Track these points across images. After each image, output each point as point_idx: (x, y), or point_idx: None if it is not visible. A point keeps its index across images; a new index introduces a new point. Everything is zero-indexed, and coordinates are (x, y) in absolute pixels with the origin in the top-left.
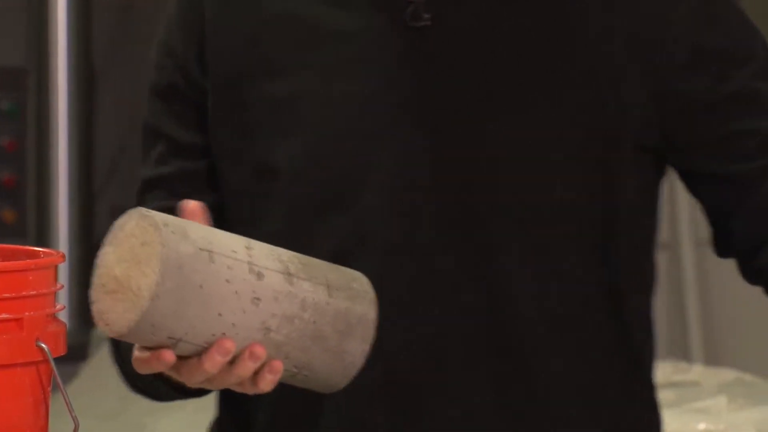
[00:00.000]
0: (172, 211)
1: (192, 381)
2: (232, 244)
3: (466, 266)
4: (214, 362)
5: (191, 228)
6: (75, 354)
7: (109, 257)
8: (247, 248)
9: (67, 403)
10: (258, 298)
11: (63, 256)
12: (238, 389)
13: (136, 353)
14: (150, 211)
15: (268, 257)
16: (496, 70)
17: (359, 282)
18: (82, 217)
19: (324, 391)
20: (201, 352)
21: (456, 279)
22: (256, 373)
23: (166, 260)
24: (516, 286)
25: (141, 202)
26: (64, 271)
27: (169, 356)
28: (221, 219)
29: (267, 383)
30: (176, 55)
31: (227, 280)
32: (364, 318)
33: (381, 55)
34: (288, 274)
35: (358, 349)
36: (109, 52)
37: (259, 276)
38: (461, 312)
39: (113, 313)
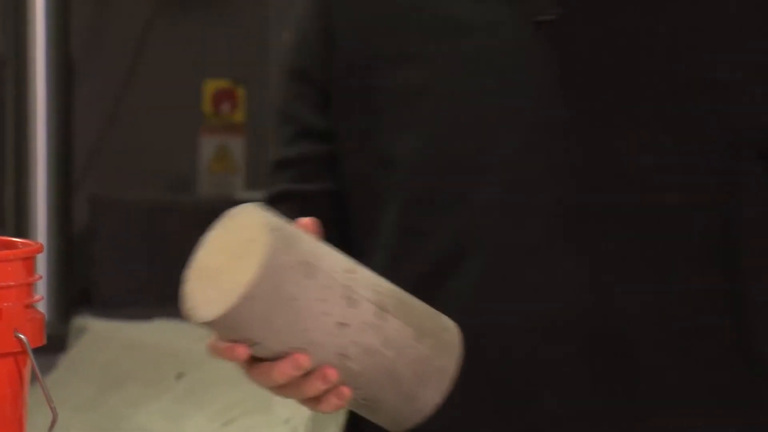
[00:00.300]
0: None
1: (258, 382)
2: (335, 264)
3: (578, 268)
4: (284, 373)
5: (300, 239)
6: (53, 345)
7: (214, 243)
8: (349, 272)
9: (45, 394)
10: (345, 324)
11: (41, 246)
12: (301, 402)
13: (213, 340)
14: (266, 210)
15: (366, 286)
16: (623, 70)
17: (450, 333)
18: (61, 208)
19: (385, 426)
20: (275, 359)
21: (566, 280)
22: (323, 393)
23: (268, 265)
24: (629, 293)
25: (270, 184)
26: (42, 261)
27: (243, 353)
28: (340, 207)
29: (330, 406)
30: (308, 40)
31: (321, 299)
32: (443, 370)
33: (510, 49)
34: (381, 308)
35: (430, 398)
36: (88, 41)
37: (352, 303)
38: (570, 314)
39: (202, 299)
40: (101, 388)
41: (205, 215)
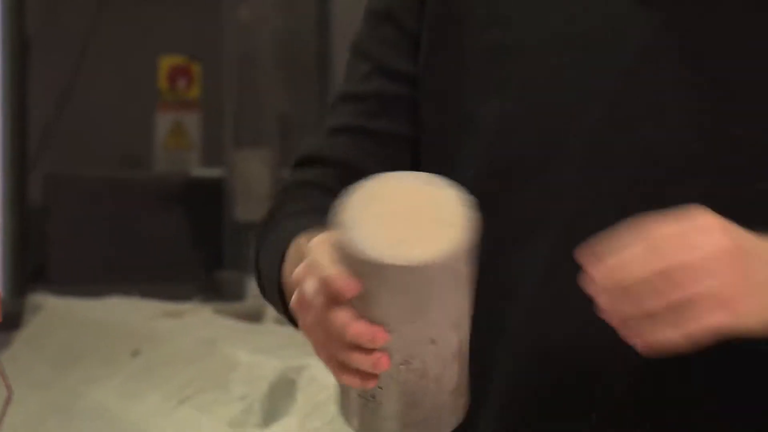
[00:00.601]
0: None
1: (313, 322)
2: (467, 291)
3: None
4: (357, 335)
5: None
6: (9, 322)
7: (397, 192)
8: (468, 303)
9: (1, 371)
10: (434, 342)
11: None
12: (327, 360)
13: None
14: (458, 194)
15: (468, 323)
16: (725, 45)
17: (466, 405)
18: (16, 186)
19: (357, 429)
20: (360, 316)
21: None
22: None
23: (457, 254)
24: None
25: (331, 110)
26: None
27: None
28: (403, 150)
29: (364, 362)
30: None
31: (444, 313)
32: (444, 426)
33: (603, 19)
34: (459, 350)
35: None
36: (43, 18)
37: (454, 329)
38: None
39: (380, 236)
40: (57, 366)
41: (160, 191)
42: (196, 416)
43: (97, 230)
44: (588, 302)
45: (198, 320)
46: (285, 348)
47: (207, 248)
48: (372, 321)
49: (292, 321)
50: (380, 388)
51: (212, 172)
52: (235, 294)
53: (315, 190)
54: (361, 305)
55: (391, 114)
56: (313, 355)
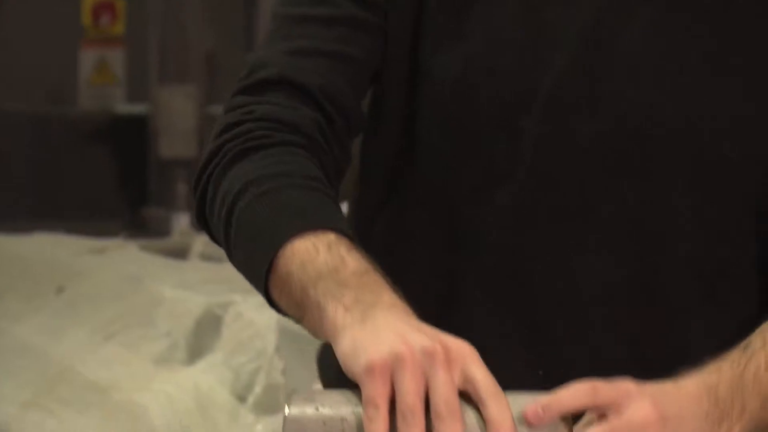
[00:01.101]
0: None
1: None
2: None
3: (620, 202)
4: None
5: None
6: None
7: None
8: None
9: None
10: None
11: None
12: None
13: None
14: None
15: None
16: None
17: None
18: None
19: None
20: None
21: (607, 216)
22: None
23: None
24: (671, 228)
25: (283, 31)
26: None
27: None
28: (362, 78)
29: None
30: None
31: None
32: None
33: None
34: None
35: None
36: None
37: None
38: (609, 255)
39: None
40: None
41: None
42: (121, 353)
43: (21, 166)
44: (551, 254)
45: (123, 257)
46: (210, 284)
47: (132, 185)
48: None
49: (271, 300)
50: None
51: (137, 109)
52: (161, 230)
53: (299, 150)
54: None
55: (364, 42)
56: (239, 291)
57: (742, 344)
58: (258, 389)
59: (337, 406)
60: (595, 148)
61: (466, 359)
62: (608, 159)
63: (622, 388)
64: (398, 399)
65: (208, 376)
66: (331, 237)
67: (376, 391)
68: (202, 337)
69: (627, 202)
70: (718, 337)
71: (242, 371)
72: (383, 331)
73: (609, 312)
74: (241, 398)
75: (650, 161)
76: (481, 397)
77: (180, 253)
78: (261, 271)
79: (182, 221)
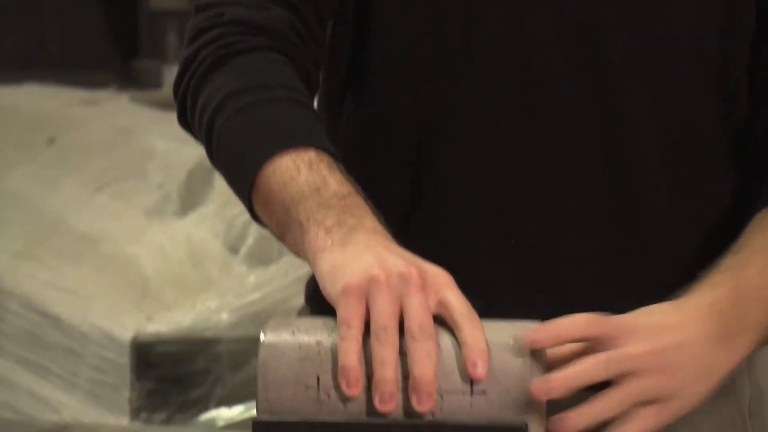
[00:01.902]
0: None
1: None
2: None
3: (582, 83)
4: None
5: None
6: None
7: None
8: None
9: None
10: None
11: None
12: None
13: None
14: None
15: None
16: None
17: None
18: None
19: None
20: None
21: (571, 101)
22: None
23: None
24: (632, 110)
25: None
26: None
27: None
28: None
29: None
30: None
31: None
32: None
33: None
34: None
35: None
36: None
37: None
38: (575, 138)
39: None
40: None
41: None
42: (113, 204)
43: (12, 16)
44: (518, 161)
45: (114, 108)
46: None
47: (123, 36)
48: None
49: (252, 211)
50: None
51: None
52: (152, 82)
53: (273, 54)
54: None
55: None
56: None
57: (732, 250)
58: (250, 240)
59: (313, 331)
60: (551, 41)
61: (441, 285)
62: (566, 49)
63: (618, 323)
64: (372, 320)
65: (200, 228)
66: (311, 154)
67: (351, 310)
68: (195, 189)
69: (588, 92)
70: (696, 231)
71: (234, 223)
72: (362, 254)
73: (582, 216)
74: (234, 249)
75: (604, 49)
76: (455, 320)
77: (172, 106)
78: (244, 191)
79: (174, 73)
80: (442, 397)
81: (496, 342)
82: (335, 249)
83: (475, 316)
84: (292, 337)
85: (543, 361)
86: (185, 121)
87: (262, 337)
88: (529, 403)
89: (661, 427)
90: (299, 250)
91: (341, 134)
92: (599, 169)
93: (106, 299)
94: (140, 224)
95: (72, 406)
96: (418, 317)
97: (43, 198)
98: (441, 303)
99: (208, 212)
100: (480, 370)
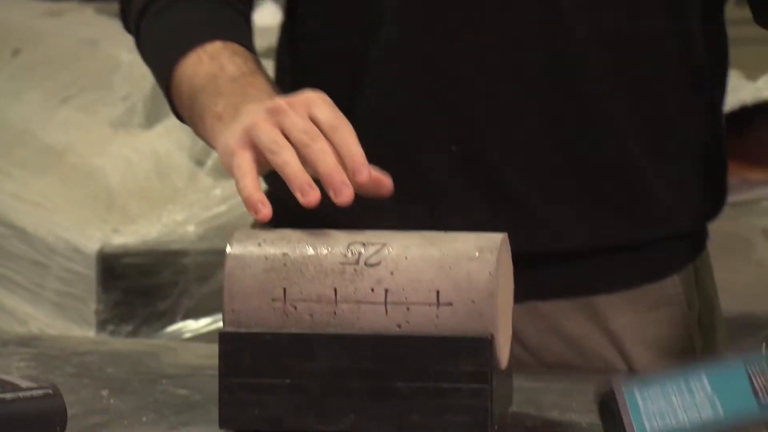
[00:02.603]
0: None
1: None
2: None
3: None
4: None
5: None
6: None
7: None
8: None
9: None
10: None
11: None
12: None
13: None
14: None
15: None
16: None
17: None
18: None
19: None
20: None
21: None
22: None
23: None
24: (573, 10)
25: None
26: None
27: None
28: None
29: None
30: None
31: None
32: None
33: None
34: None
35: None
36: None
37: None
38: (515, 27)
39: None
40: None
41: None
42: (78, 116)
43: None
44: (459, 32)
45: (80, 19)
46: None
47: None
48: None
49: (174, 107)
50: None
51: None
52: None
53: None
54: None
55: None
56: None
57: None
58: (216, 153)
59: (280, 242)
60: None
61: (310, 104)
62: None
63: None
64: (260, 146)
65: (166, 140)
66: (216, 45)
67: (243, 157)
68: (160, 101)
69: None
70: (645, 135)
71: None
72: (242, 123)
73: (527, 122)
74: (200, 162)
75: None
76: (325, 133)
77: None
78: (165, 94)
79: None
80: (408, 309)
81: (462, 253)
82: (225, 131)
83: (345, 124)
84: (258, 249)
85: (508, 273)
86: (123, 15)
87: (228, 248)
88: (495, 315)
89: None
90: (209, 142)
91: (296, 33)
92: (543, 73)
93: (72, 211)
94: (106, 136)
95: (38, 318)
96: (300, 128)
97: (7, 109)
98: (312, 119)
99: (174, 124)
100: (363, 174)
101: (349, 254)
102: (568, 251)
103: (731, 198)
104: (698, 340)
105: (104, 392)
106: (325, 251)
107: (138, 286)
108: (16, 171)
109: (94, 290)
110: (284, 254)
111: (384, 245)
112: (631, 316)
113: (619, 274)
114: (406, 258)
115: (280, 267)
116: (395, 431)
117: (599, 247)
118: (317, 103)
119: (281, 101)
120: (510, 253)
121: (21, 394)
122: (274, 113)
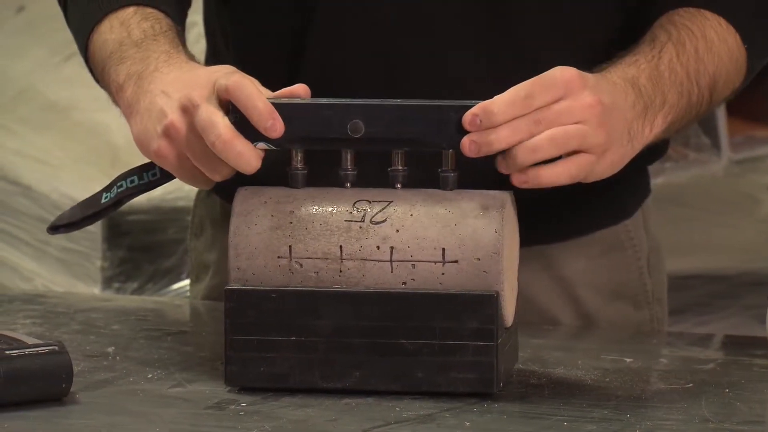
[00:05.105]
0: None
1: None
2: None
3: None
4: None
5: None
6: None
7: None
8: None
9: None
10: None
11: None
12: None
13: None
14: None
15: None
16: None
17: None
18: None
19: None
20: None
21: None
22: None
23: None
24: None
25: None
26: None
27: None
28: None
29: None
30: None
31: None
32: None
33: None
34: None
35: None
36: None
37: None
38: None
39: None
40: None
41: None
42: (82, 73)
43: None
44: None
45: None
46: None
47: None
48: None
49: (94, 74)
50: None
51: None
52: None
53: None
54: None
55: None
56: None
57: (647, 38)
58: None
59: (285, 200)
60: None
61: (213, 83)
62: None
63: (561, 81)
64: (187, 134)
65: None
66: (128, 11)
67: (167, 150)
68: None
69: None
70: (576, 59)
71: None
72: (149, 112)
73: (463, 31)
74: None
75: None
76: (232, 98)
77: None
78: (85, 63)
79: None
80: (413, 267)
81: (467, 211)
82: (132, 111)
83: (248, 85)
84: (264, 207)
85: (514, 231)
86: None
87: (233, 206)
88: (501, 273)
89: (583, 177)
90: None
91: None
92: (484, 21)
93: (76, 168)
94: None
95: (43, 275)
96: (205, 116)
97: (10, 66)
98: (219, 92)
99: None
100: (277, 127)
101: (355, 212)
102: (519, 201)
103: (736, 155)
104: (649, 282)
105: (110, 349)
106: (330, 209)
107: (143, 243)
108: (20, 127)
109: (99, 247)
110: (290, 212)
111: (389, 203)
112: (585, 262)
113: (573, 222)
114: (411, 215)
115: (286, 224)
116: (400, 388)
117: (550, 197)
118: (223, 74)
119: (193, 93)
120: (515, 211)
121: (27, 351)
122: (185, 111)
